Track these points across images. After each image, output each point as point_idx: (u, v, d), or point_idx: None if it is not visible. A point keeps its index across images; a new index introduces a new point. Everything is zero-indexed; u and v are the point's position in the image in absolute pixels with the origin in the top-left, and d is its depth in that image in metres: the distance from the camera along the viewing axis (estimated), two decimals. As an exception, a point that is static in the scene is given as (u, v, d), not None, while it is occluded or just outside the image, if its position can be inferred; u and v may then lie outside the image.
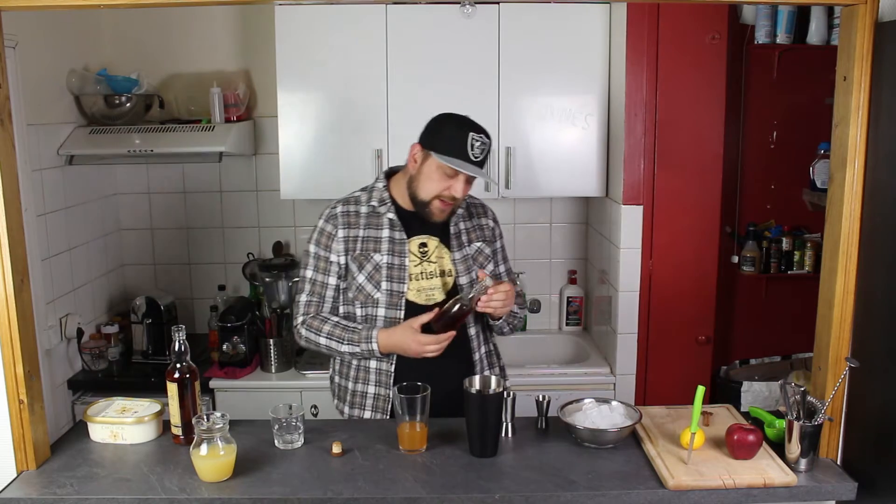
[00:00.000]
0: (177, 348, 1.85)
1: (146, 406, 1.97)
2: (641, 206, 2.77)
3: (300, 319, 2.12)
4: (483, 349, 2.19)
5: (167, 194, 3.36)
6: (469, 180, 2.02)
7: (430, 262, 2.11)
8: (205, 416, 1.71)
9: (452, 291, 2.10)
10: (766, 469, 1.71)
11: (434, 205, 2.02)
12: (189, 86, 3.23)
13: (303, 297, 2.13)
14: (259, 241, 3.39)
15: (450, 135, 1.97)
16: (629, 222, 2.78)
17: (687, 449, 1.75)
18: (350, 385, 2.15)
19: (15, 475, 1.76)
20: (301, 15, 2.87)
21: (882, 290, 1.68)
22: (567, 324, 3.43)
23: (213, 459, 1.68)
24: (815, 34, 2.85)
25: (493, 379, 1.87)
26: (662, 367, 2.87)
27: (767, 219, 3.13)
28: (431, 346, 1.98)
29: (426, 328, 1.99)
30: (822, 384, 1.81)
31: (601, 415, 1.90)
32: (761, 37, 2.88)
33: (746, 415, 2.00)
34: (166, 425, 1.92)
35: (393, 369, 2.09)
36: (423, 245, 2.11)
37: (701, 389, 1.77)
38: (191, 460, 1.70)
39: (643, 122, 2.72)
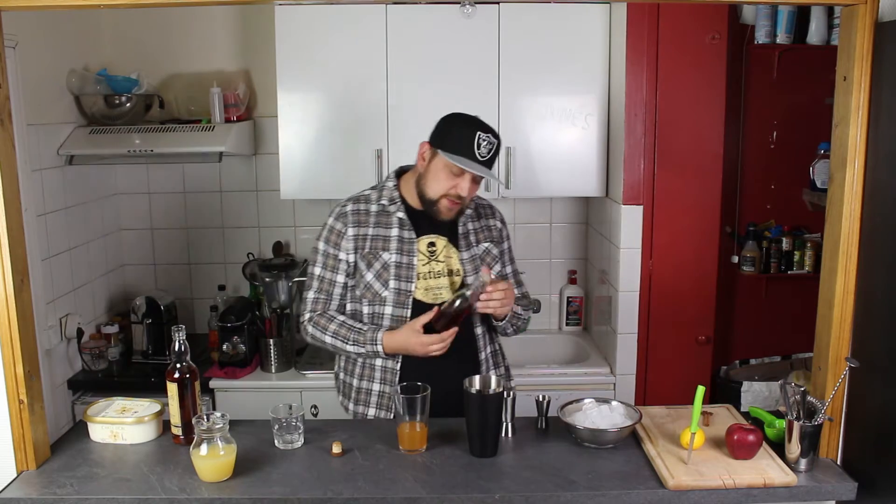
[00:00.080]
0: (177, 348, 1.85)
1: (146, 406, 1.97)
2: (641, 206, 2.77)
3: (307, 316, 2.13)
4: (489, 349, 2.20)
5: (167, 194, 3.36)
6: (476, 179, 2.03)
7: (438, 261, 2.12)
8: (205, 416, 1.71)
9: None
10: (766, 469, 1.71)
11: (442, 203, 2.03)
12: (189, 86, 3.23)
13: (310, 294, 2.14)
14: (259, 241, 3.39)
15: (458, 134, 1.98)
16: (629, 222, 2.78)
17: (687, 449, 1.75)
18: (355, 382, 2.16)
19: (15, 475, 1.76)
20: (301, 15, 2.87)
21: (882, 290, 1.68)
22: (567, 324, 3.43)
23: (213, 459, 1.68)
24: (815, 34, 2.85)
25: (493, 379, 1.87)
26: (662, 367, 2.87)
27: (767, 219, 3.13)
28: (435, 345, 1.99)
29: (428, 328, 2.00)
30: (822, 384, 1.82)
31: (601, 415, 1.90)
32: (761, 37, 2.88)
33: (746, 415, 2.00)
34: (166, 425, 1.92)
35: (399, 367, 2.10)
36: (432, 244, 2.12)
37: (701, 389, 1.77)
38: (191, 460, 1.70)
39: (643, 122, 2.72)
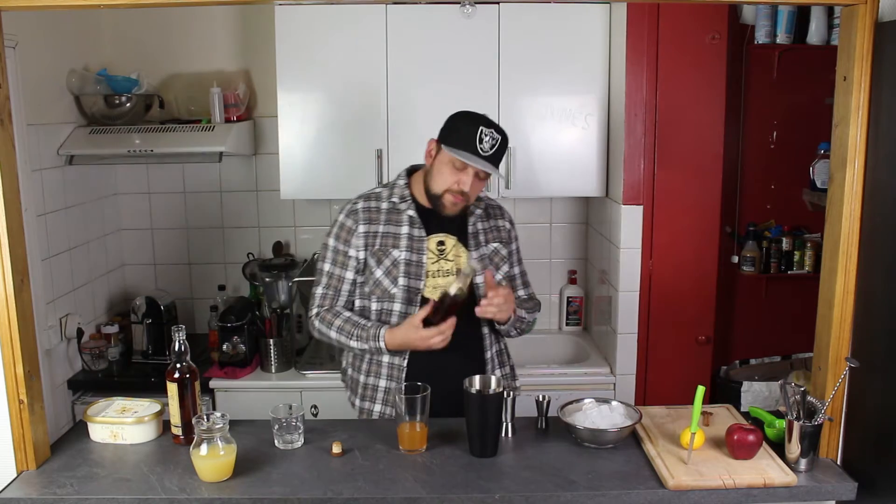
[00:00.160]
0: (177, 348, 1.85)
1: (146, 406, 1.97)
2: (641, 206, 2.77)
3: (314, 311, 2.15)
4: (494, 348, 2.21)
5: (167, 194, 3.36)
6: (480, 176, 2.04)
7: (447, 260, 2.13)
8: (205, 416, 1.71)
9: (468, 290, 2.10)
10: (766, 469, 1.71)
11: (446, 198, 2.04)
12: (189, 86, 3.23)
13: (318, 290, 2.15)
14: (259, 241, 3.39)
15: (461, 129, 2.00)
16: (629, 222, 2.78)
17: (687, 449, 1.75)
18: (362, 378, 2.17)
19: (15, 475, 1.76)
20: (301, 15, 2.87)
21: (882, 290, 1.68)
22: (567, 324, 3.43)
23: (213, 459, 1.68)
24: (815, 34, 2.85)
25: (493, 379, 1.87)
26: (662, 367, 2.87)
27: (767, 219, 3.13)
28: (435, 337, 1.99)
29: (428, 323, 2.00)
30: (822, 384, 1.81)
31: (601, 415, 1.90)
32: (761, 37, 2.88)
33: (746, 415, 2.00)
34: (166, 425, 1.92)
35: (405, 364, 2.11)
36: (441, 243, 2.13)
37: (701, 389, 1.77)
38: (191, 460, 1.70)
39: (643, 122, 2.72)
